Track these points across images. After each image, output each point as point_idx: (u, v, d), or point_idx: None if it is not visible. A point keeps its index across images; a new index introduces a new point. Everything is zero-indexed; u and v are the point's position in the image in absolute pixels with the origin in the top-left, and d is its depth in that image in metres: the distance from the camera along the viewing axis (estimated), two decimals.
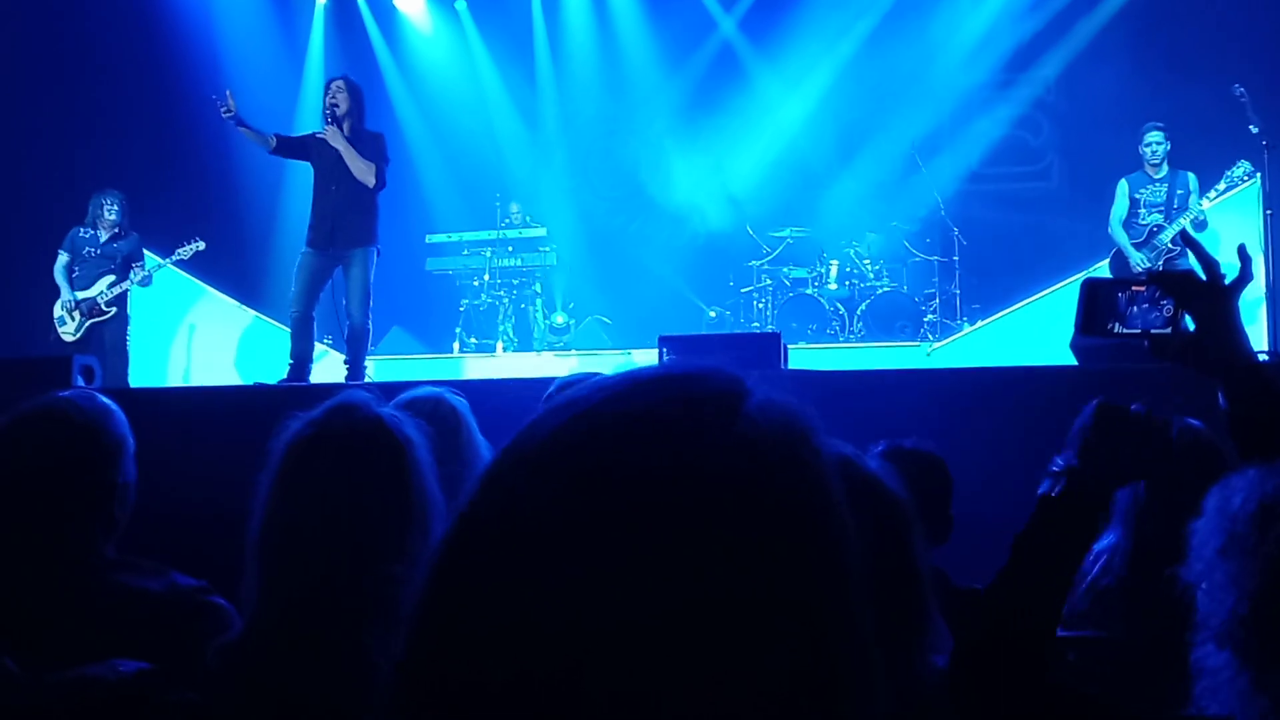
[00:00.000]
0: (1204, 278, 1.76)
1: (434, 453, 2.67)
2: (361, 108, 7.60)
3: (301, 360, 7.29)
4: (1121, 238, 8.21)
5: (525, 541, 0.62)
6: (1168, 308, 1.76)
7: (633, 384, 0.67)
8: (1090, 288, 1.81)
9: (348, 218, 7.36)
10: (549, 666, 0.59)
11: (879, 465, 1.68)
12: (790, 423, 0.66)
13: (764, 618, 0.61)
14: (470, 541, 0.65)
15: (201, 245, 8.78)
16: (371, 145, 7.49)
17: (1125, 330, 1.79)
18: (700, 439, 0.63)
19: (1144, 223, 8.17)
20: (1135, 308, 1.78)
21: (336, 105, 7.47)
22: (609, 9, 12.23)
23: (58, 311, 8.68)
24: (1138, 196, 8.25)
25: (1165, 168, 8.24)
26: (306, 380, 7.25)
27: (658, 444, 0.63)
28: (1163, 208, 8.13)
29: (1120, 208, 8.33)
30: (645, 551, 0.60)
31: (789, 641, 0.61)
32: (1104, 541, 2.80)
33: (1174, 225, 7.95)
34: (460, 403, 2.96)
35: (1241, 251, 1.85)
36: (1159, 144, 8.22)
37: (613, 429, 0.64)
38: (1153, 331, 1.76)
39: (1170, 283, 1.77)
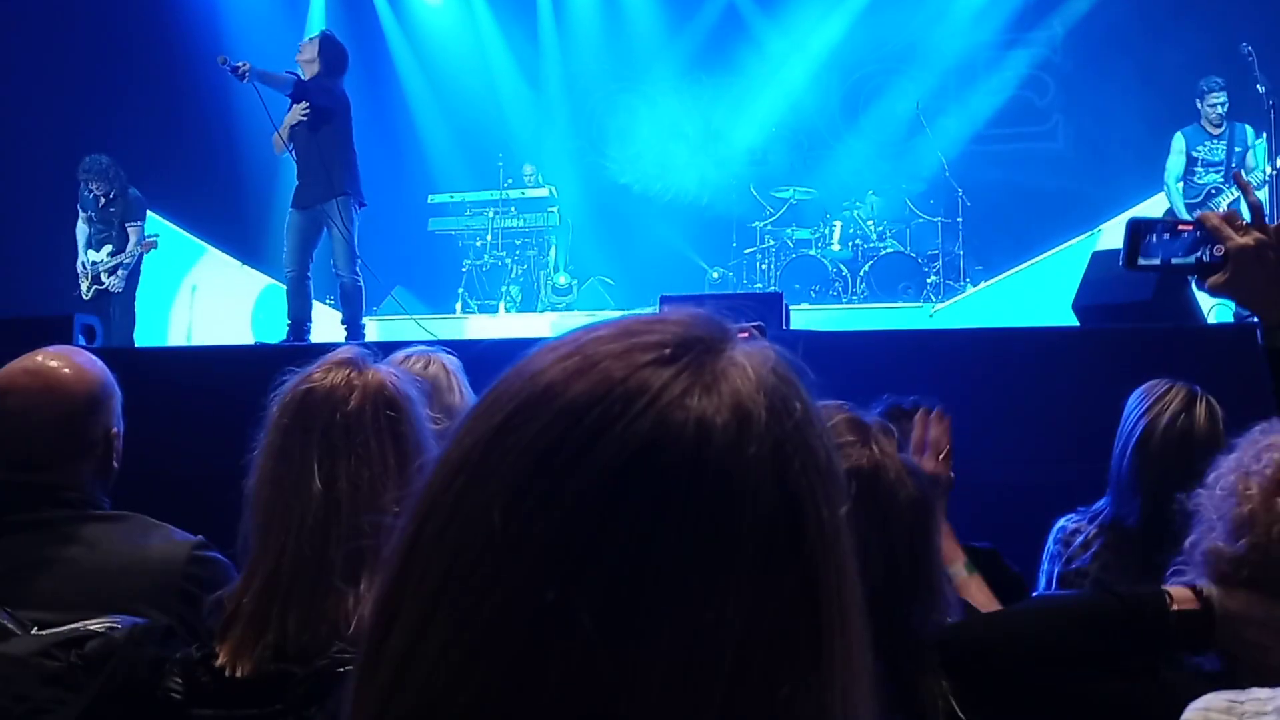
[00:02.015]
0: (1248, 219, 1.80)
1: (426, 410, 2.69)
2: (329, 62, 7.48)
3: (299, 320, 7.28)
4: (1176, 196, 7.83)
5: (508, 474, 0.62)
6: (1210, 245, 1.82)
7: (621, 328, 0.66)
8: (1133, 226, 1.88)
9: (318, 172, 7.30)
10: (530, 601, 0.59)
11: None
12: (778, 368, 0.66)
13: (755, 567, 0.61)
14: (456, 474, 0.64)
15: (155, 242, 8.67)
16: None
17: (1165, 262, 1.85)
18: (685, 384, 0.63)
19: (1201, 182, 7.78)
20: (1177, 242, 1.84)
21: (300, 53, 7.48)
22: None
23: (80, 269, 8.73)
24: (1195, 154, 7.85)
25: (1224, 124, 7.84)
26: (306, 339, 7.24)
27: (644, 386, 0.62)
28: (1220, 167, 7.75)
29: (1176, 164, 7.92)
30: (627, 494, 0.60)
31: (779, 590, 0.62)
32: (1097, 505, 2.81)
33: (1232, 189, 7.59)
34: (452, 360, 2.98)
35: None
36: (1222, 104, 7.79)
37: (596, 369, 0.63)
38: (1189, 260, 1.82)
39: (1212, 221, 1.81)
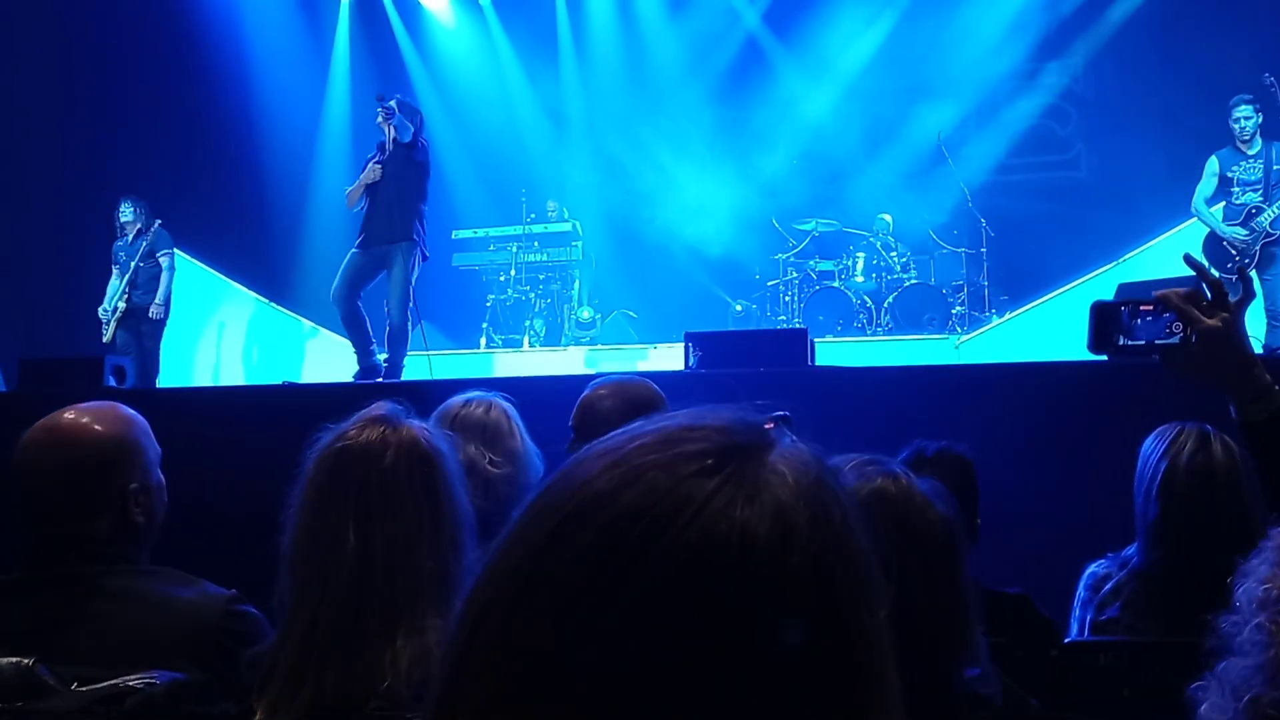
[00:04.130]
0: (1209, 296, 1.79)
1: (488, 455, 2.71)
2: (412, 120, 7.84)
3: (364, 345, 7.52)
4: (1209, 217, 7.74)
5: (560, 584, 0.64)
6: (1175, 324, 1.80)
7: (665, 435, 0.68)
8: (1098, 309, 1.88)
9: (390, 215, 7.56)
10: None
11: (929, 485, 1.69)
12: (818, 474, 0.67)
13: (801, 673, 0.62)
14: (509, 581, 0.66)
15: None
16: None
17: (1133, 344, 1.84)
18: (729, 495, 0.64)
19: (1239, 202, 7.69)
20: (1142, 324, 1.83)
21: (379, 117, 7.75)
22: (632, 1, 12.20)
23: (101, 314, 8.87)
24: (1230, 174, 7.77)
25: (1258, 142, 7.76)
26: (376, 363, 7.47)
27: (689, 497, 0.64)
28: (1259, 185, 7.65)
29: (1206, 186, 7.83)
30: (675, 604, 0.61)
31: (825, 694, 0.63)
32: (1127, 552, 2.80)
33: (1274, 207, 7.51)
34: (510, 407, 2.99)
35: (1243, 272, 2.01)
36: (1249, 119, 7.71)
37: (643, 479, 0.65)
38: (1158, 343, 1.81)
39: (1175, 302, 1.79)
